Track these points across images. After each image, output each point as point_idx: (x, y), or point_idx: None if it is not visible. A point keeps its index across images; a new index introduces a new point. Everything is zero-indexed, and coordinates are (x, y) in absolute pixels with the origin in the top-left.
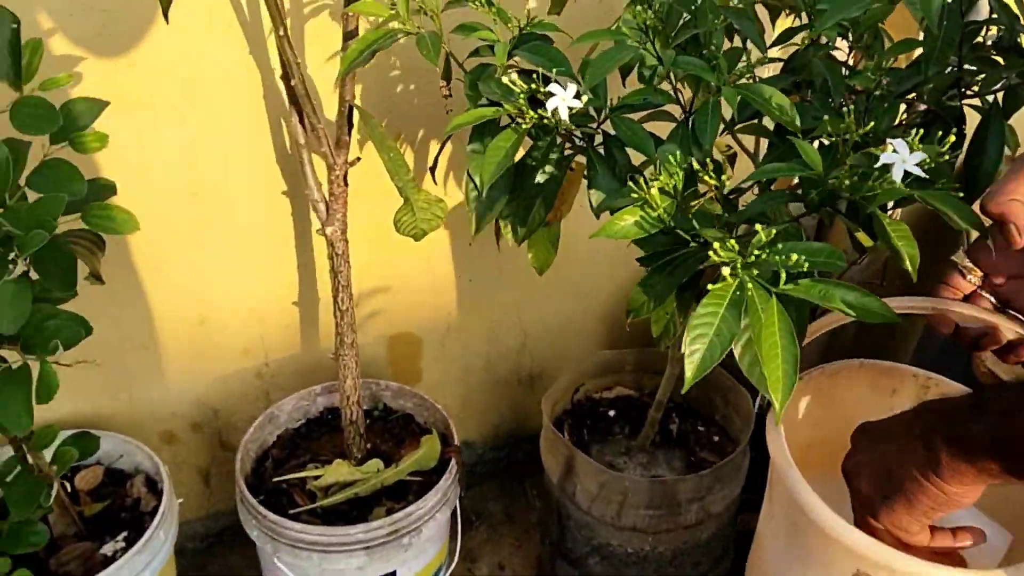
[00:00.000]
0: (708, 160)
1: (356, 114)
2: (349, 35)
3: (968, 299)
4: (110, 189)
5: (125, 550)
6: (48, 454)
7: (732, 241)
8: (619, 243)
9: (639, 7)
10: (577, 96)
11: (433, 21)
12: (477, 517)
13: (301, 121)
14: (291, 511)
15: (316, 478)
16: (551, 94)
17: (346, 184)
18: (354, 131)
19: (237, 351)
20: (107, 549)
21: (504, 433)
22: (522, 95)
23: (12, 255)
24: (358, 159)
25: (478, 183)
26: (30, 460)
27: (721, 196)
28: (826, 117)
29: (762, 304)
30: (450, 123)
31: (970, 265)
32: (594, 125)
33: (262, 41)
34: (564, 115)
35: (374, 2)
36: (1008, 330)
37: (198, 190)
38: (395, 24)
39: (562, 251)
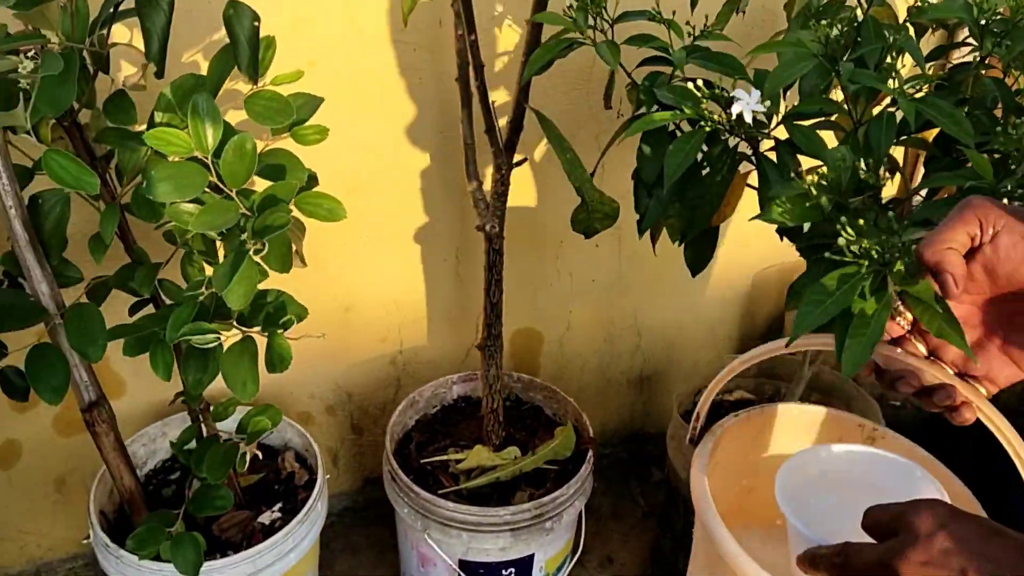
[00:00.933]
0: (881, 167)
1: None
2: (532, 43)
3: (897, 342)
4: (314, 179)
5: (281, 519)
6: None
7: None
8: (736, 257)
9: (823, 22)
10: (761, 101)
11: (605, 33)
12: (585, 512)
13: (470, 122)
14: (439, 491)
15: (458, 461)
16: (734, 99)
17: (508, 184)
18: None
19: (376, 339)
20: (264, 518)
21: (611, 431)
22: (704, 99)
23: (243, 236)
24: (524, 159)
25: (649, 183)
26: (205, 430)
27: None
28: (997, 129)
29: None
30: (630, 127)
31: (902, 309)
32: (766, 131)
33: (433, 45)
34: (748, 118)
35: (557, 13)
36: (932, 376)
37: (358, 185)
38: (574, 34)
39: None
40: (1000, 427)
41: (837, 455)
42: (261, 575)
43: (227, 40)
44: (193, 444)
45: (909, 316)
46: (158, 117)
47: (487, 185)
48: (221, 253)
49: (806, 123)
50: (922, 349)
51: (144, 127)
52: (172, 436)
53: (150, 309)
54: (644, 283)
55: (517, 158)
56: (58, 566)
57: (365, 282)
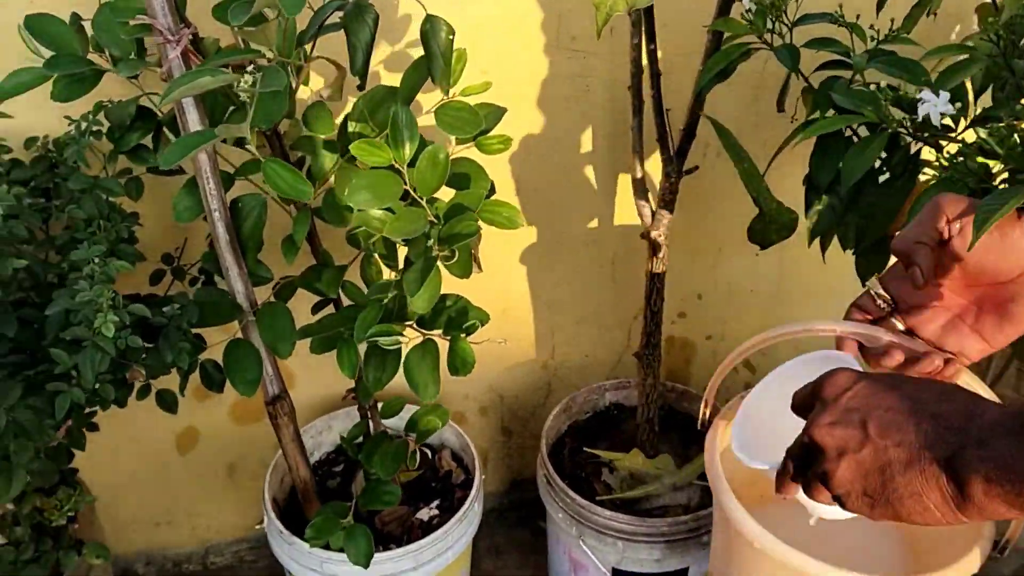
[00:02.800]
0: None
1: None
2: (711, 50)
3: (877, 322)
4: (493, 188)
5: (439, 517)
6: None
7: None
8: None
9: (990, 19)
10: (950, 102)
11: (784, 37)
12: None
13: (641, 130)
14: (595, 498)
15: (612, 471)
16: (920, 101)
17: (676, 192)
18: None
19: (529, 342)
20: (422, 514)
21: None
22: (887, 103)
23: (430, 243)
24: (696, 168)
25: (822, 189)
26: (372, 427)
27: None
28: None
29: None
30: (806, 130)
31: (882, 292)
32: (953, 134)
33: (602, 53)
34: (936, 120)
35: (736, 19)
36: (904, 350)
37: (520, 189)
38: (749, 38)
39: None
40: (975, 389)
41: (779, 383)
42: (421, 570)
43: (406, 52)
44: (360, 439)
45: (888, 298)
46: (351, 126)
47: (653, 193)
48: (401, 258)
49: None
50: (900, 327)
51: (333, 135)
52: (337, 430)
53: (329, 309)
54: (803, 293)
55: (687, 166)
56: (224, 548)
57: (522, 286)
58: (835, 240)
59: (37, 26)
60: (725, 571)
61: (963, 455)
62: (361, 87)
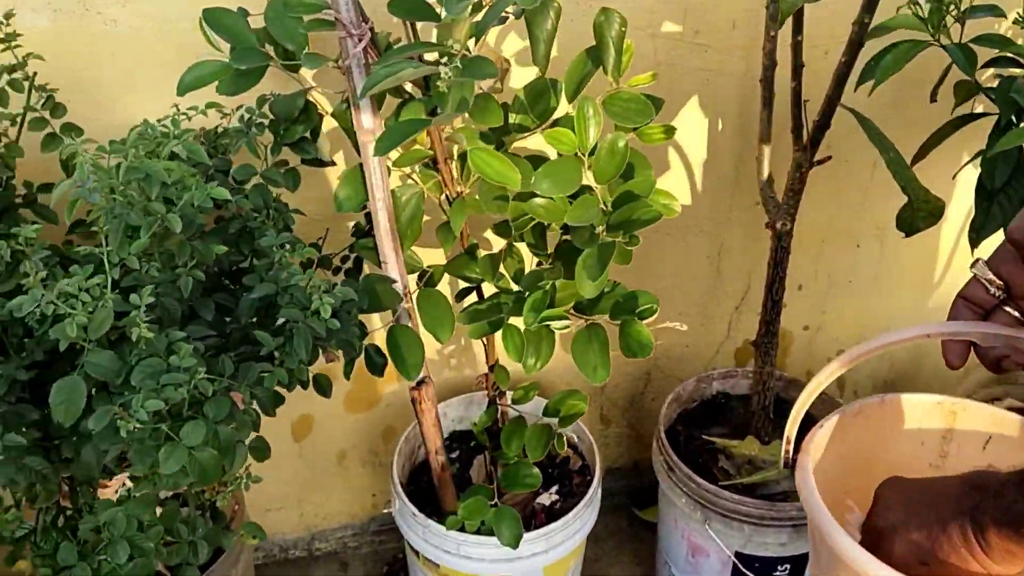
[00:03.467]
0: None
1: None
2: (856, 42)
3: (989, 314)
4: None
5: (559, 503)
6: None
7: None
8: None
9: None
10: None
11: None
12: None
13: (770, 121)
14: (720, 483)
15: (728, 457)
16: None
17: (805, 182)
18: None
19: None
20: (543, 499)
21: None
22: None
23: (599, 229)
24: (829, 158)
25: (994, 189)
26: (500, 412)
27: None
28: None
29: None
30: (1003, 138)
31: (992, 277)
32: None
33: (724, 46)
34: None
35: (906, 15)
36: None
37: None
38: (913, 34)
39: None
40: None
41: None
42: (552, 552)
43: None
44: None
45: (999, 282)
46: (512, 118)
47: (780, 183)
48: (551, 246)
49: None
50: (1016, 314)
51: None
52: (451, 417)
53: (471, 298)
54: (902, 285)
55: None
56: (330, 534)
57: (628, 275)
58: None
59: (212, 19)
60: None
61: (981, 506)
62: (541, 77)
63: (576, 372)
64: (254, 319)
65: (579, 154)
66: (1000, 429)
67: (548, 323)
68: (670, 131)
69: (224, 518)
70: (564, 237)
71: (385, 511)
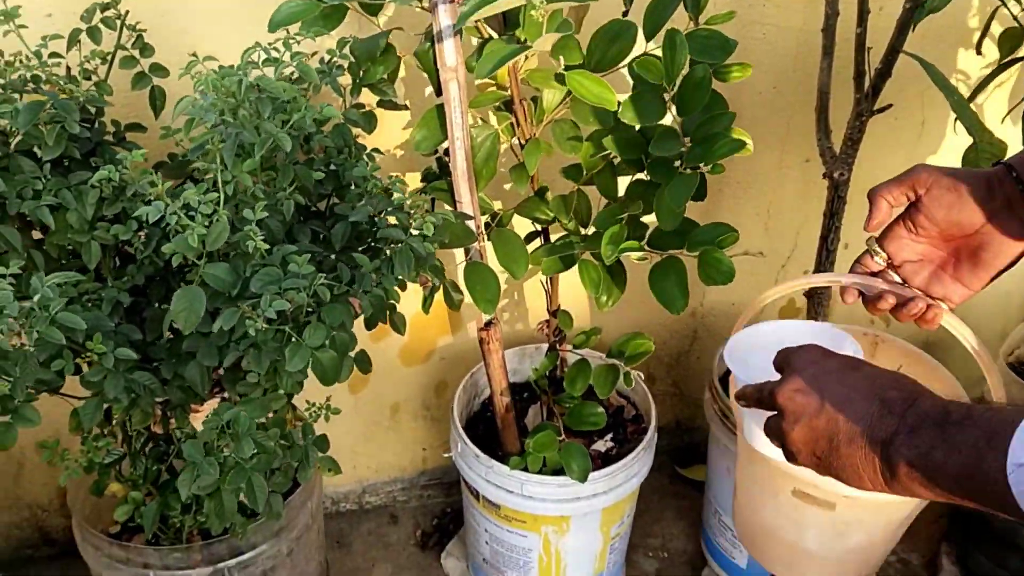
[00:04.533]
0: None
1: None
2: None
3: (876, 275)
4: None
5: (614, 449)
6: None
7: None
8: None
9: None
10: None
11: None
12: None
13: (830, 71)
14: None
15: None
16: None
17: (864, 131)
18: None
19: None
20: (598, 446)
21: None
22: None
23: (678, 163)
24: (890, 105)
25: None
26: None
27: None
28: None
29: None
30: None
31: (879, 249)
32: None
33: (780, 2)
34: None
35: None
36: (895, 296)
37: None
38: None
39: None
40: (956, 327)
41: (785, 329)
42: (612, 493)
43: None
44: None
45: (884, 255)
46: (589, 57)
47: (838, 134)
48: (623, 186)
49: None
50: (896, 278)
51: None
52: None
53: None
54: None
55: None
56: (380, 488)
57: None
58: None
59: None
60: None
61: (895, 440)
62: (625, 13)
63: (632, 322)
64: (346, 246)
65: (664, 86)
66: (909, 361)
67: (627, 254)
68: (745, 68)
69: (301, 450)
70: (636, 176)
71: (445, 456)
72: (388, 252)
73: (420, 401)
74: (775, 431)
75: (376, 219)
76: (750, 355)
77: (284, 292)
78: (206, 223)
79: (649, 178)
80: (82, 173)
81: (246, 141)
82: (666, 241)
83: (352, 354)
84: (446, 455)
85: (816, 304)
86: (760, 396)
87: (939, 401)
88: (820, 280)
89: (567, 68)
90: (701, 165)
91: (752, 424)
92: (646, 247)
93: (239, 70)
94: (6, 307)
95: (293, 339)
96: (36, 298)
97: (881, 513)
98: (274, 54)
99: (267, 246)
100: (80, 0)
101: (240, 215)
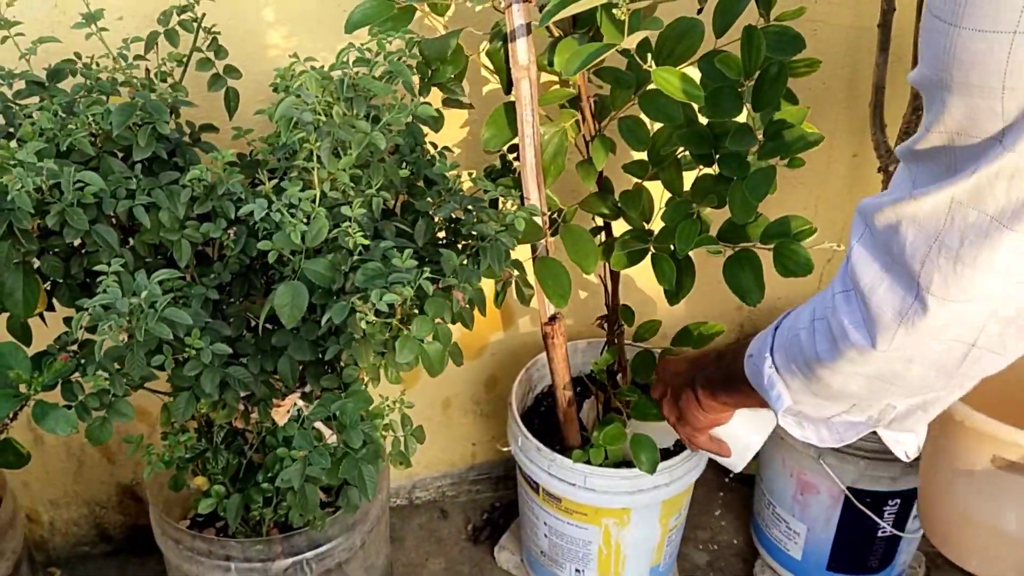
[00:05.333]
0: None
1: None
2: None
3: None
4: None
5: (675, 441)
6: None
7: None
8: None
9: None
10: None
11: None
12: None
13: (885, 66)
14: None
15: None
16: None
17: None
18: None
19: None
20: None
21: None
22: None
23: (749, 158)
24: None
25: None
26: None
27: None
28: None
29: None
30: None
31: None
32: None
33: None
34: None
35: None
36: None
37: None
38: None
39: None
40: None
41: None
42: (673, 485)
43: None
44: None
45: None
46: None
47: (892, 130)
48: (689, 181)
49: None
50: None
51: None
52: None
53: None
54: None
55: None
56: (430, 483)
57: None
58: None
59: None
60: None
61: (697, 378)
62: (700, 11)
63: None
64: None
65: (741, 81)
66: None
67: (703, 248)
68: (814, 64)
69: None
70: (703, 172)
71: (504, 449)
72: (475, 247)
73: (471, 396)
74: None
75: (455, 216)
76: None
77: (391, 286)
78: (305, 220)
79: (719, 172)
80: (170, 173)
81: (341, 139)
82: (736, 235)
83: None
84: (504, 448)
85: None
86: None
87: (727, 348)
88: None
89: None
90: (778, 159)
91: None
92: (719, 241)
93: (334, 69)
94: (117, 303)
95: (401, 332)
96: (143, 295)
97: None
98: (367, 54)
99: (366, 242)
100: (152, 3)
101: (335, 212)
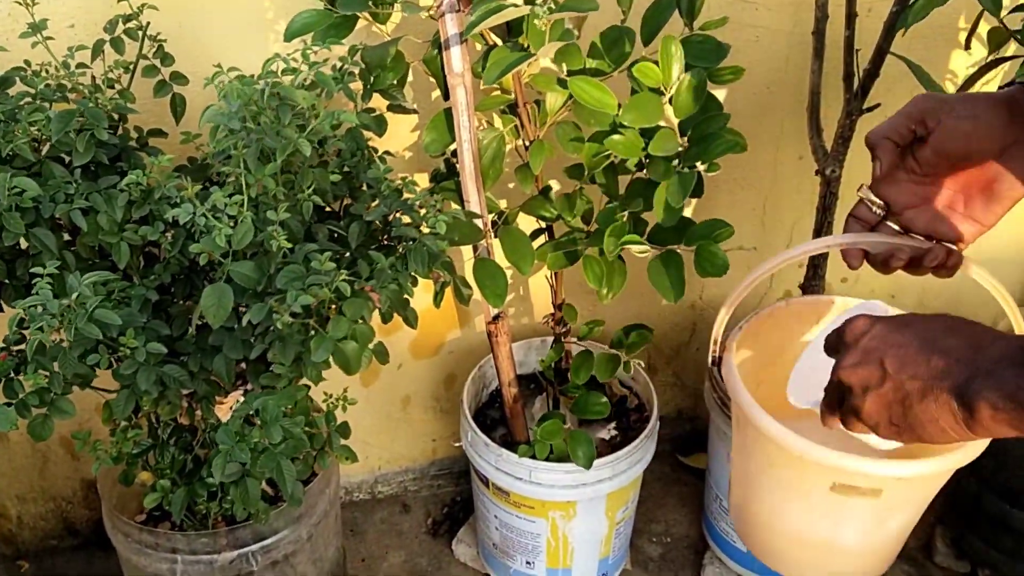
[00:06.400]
0: None
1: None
2: None
3: (874, 228)
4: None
5: (618, 437)
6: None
7: None
8: None
9: None
10: None
11: None
12: None
13: (820, 72)
14: None
15: None
16: None
17: (854, 129)
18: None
19: None
20: (602, 434)
21: None
22: None
23: (675, 161)
24: (878, 105)
25: None
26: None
27: None
28: None
29: None
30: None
31: (874, 198)
32: None
33: (774, 4)
34: None
35: None
36: (911, 248)
37: None
38: None
39: None
40: (983, 275)
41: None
42: (616, 480)
43: None
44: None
45: (880, 203)
46: (588, 63)
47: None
48: (623, 185)
49: None
50: (896, 228)
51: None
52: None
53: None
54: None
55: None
56: (392, 477)
57: None
58: None
59: None
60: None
61: (972, 384)
62: (623, 20)
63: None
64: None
65: (662, 89)
66: None
67: (626, 248)
68: (738, 71)
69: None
70: (636, 175)
71: (455, 445)
72: (402, 249)
73: (430, 393)
74: (850, 410)
75: (390, 219)
76: (808, 384)
77: (308, 288)
78: (232, 224)
79: (648, 177)
80: (110, 177)
81: (267, 146)
82: (665, 236)
83: (371, 346)
84: (456, 444)
85: (814, 287)
86: (829, 399)
87: (1011, 341)
88: (818, 246)
89: (569, 74)
90: (698, 164)
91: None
92: (646, 242)
93: (260, 79)
94: (47, 304)
95: (317, 332)
96: (74, 296)
97: (926, 487)
98: (292, 64)
99: (290, 245)
100: (101, 11)
101: (263, 216)
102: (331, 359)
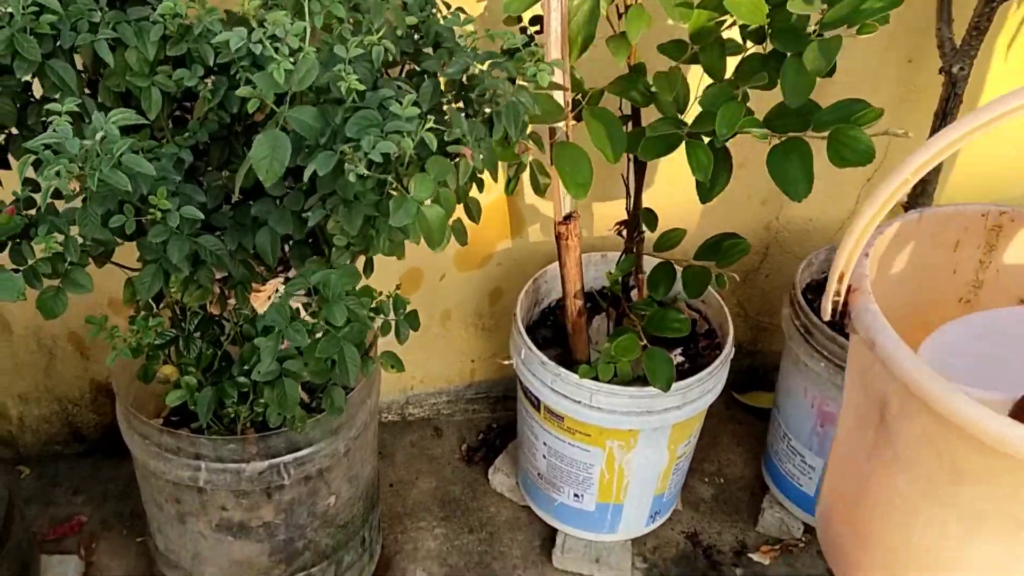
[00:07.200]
0: None
1: None
2: None
3: None
4: None
5: (686, 363)
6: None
7: None
8: None
9: None
10: None
11: None
12: None
13: None
14: None
15: None
16: None
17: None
18: None
19: (758, 200)
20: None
21: None
22: None
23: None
24: None
25: None
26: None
27: None
28: None
29: None
30: None
31: None
32: None
33: None
34: None
35: None
36: None
37: None
38: None
39: None
40: None
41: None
42: (685, 408)
43: None
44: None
45: None
46: None
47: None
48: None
49: None
50: None
51: None
52: None
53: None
54: None
55: None
56: (424, 399)
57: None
58: None
59: None
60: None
61: None
62: None
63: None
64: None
65: None
66: None
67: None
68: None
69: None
70: (751, 52)
71: (505, 363)
72: (488, 110)
73: (473, 308)
74: None
75: (469, 78)
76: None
77: (387, 136)
78: (292, 59)
79: (773, 49)
80: (140, 8)
81: None
82: (787, 122)
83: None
84: (506, 362)
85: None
86: None
87: None
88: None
89: None
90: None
91: None
92: (763, 130)
93: None
94: (66, 143)
95: (397, 190)
96: (99, 137)
97: None
98: None
99: (362, 87)
100: None
101: (330, 53)
102: (409, 227)
